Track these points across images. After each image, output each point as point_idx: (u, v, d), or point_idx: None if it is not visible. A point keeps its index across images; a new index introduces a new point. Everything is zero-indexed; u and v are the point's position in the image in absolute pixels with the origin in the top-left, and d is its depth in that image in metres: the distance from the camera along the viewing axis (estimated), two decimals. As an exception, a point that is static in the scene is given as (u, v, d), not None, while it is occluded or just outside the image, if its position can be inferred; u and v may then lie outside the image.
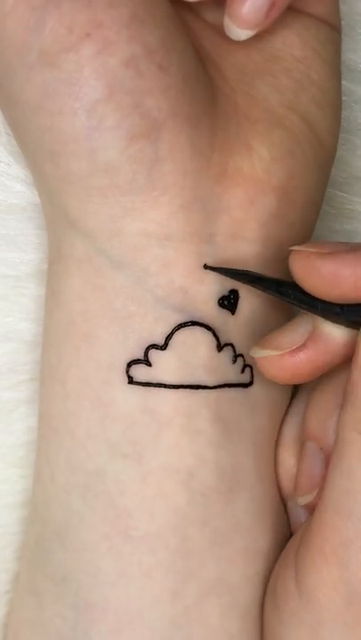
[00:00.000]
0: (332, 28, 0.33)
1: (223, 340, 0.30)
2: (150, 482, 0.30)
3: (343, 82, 0.35)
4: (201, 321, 0.30)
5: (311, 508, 0.31)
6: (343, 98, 0.35)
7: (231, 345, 0.30)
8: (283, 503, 0.33)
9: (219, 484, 0.30)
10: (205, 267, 0.30)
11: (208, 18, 0.32)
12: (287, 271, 0.30)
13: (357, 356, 0.28)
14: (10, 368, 0.36)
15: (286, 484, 0.33)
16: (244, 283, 0.30)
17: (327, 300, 0.28)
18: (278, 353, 0.29)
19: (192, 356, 0.30)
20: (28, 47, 0.28)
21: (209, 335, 0.30)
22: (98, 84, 0.28)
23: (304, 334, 0.29)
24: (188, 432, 0.30)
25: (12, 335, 0.36)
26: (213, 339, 0.30)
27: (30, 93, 0.28)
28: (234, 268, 0.30)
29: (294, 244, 0.31)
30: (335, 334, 0.29)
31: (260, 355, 0.30)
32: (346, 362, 0.29)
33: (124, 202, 0.29)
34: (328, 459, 0.30)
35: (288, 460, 0.32)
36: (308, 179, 0.31)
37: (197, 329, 0.30)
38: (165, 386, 0.29)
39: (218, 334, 0.30)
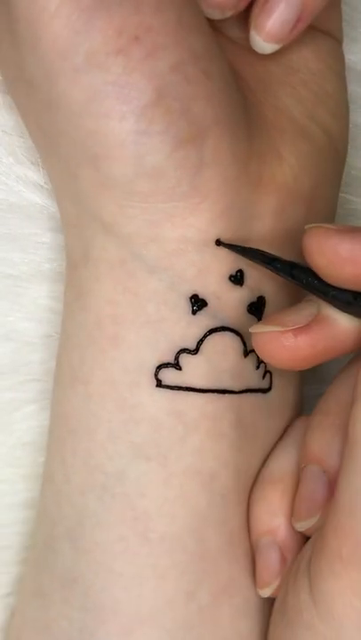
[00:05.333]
0: (338, 43, 0.33)
1: (249, 346, 0.30)
2: (173, 484, 0.29)
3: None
4: (231, 326, 0.30)
5: (308, 536, 0.30)
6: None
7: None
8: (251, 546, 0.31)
9: (236, 485, 0.30)
10: (219, 243, 0.29)
11: (229, 33, 0.32)
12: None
13: None
14: (11, 368, 0.35)
15: (264, 522, 0.31)
16: (257, 263, 0.29)
17: (338, 282, 0.27)
18: (281, 329, 0.28)
19: (221, 360, 0.30)
20: (74, 50, 0.27)
21: (237, 341, 0.30)
22: (147, 88, 0.27)
23: (309, 316, 0.29)
24: (213, 435, 0.30)
25: (12, 335, 0.35)
26: (241, 344, 0.30)
27: (74, 97, 0.27)
28: (249, 246, 0.29)
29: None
30: (341, 321, 0.28)
31: (261, 330, 0.29)
32: (349, 355, 0.29)
33: (166, 207, 0.28)
34: (332, 482, 0.29)
35: (272, 495, 0.31)
36: (329, 189, 0.32)
37: (227, 334, 0.30)
38: (194, 390, 0.29)
39: (245, 340, 0.30)
